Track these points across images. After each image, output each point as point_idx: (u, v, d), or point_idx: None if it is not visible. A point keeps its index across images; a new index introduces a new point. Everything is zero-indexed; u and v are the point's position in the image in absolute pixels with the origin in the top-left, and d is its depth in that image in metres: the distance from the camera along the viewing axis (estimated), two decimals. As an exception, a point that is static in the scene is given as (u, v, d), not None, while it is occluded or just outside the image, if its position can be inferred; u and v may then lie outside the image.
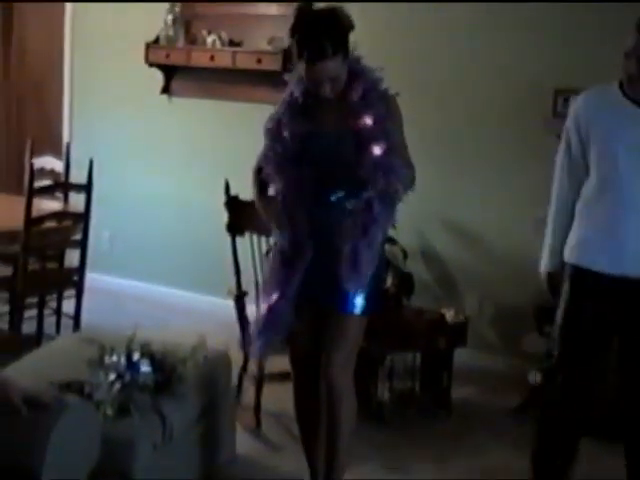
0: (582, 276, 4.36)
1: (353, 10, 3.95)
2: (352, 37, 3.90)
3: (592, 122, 4.31)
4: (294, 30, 3.89)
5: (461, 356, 5.98)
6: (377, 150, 3.91)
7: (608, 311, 4.30)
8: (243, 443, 5.04)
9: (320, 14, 3.91)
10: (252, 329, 4.34)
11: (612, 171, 4.22)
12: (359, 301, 4.08)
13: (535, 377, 5.74)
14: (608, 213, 4.26)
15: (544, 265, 4.54)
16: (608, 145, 4.24)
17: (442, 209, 6.82)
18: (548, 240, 4.51)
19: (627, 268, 4.20)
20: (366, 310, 4.13)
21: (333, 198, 4.05)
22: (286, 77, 4.22)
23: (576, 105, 4.42)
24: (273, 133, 4.11)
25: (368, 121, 3.93)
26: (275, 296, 4.09)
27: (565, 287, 4.43)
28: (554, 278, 4.51)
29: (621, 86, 4.19)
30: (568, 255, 4.39)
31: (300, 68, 3.91)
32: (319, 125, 4.04)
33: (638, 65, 4.02)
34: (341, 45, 3.86)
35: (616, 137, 4.22)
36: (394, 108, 4.05)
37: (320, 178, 4.04)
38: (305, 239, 4.04)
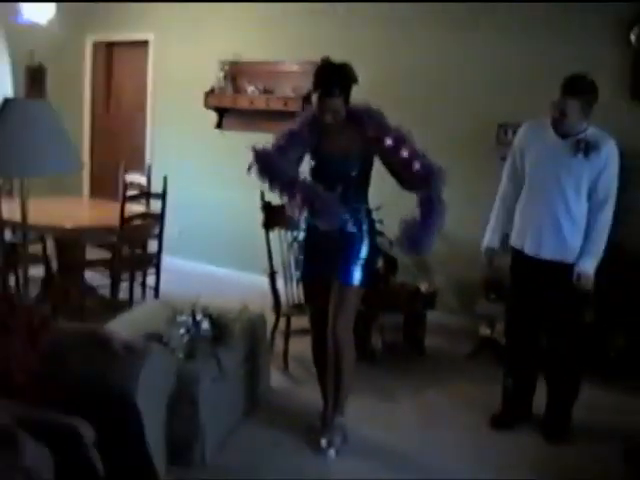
0: (516, 254, 4.49)
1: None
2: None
3: (527, 145, 4.44)
4: (317, 72, 3.99)
5: (432, 316, 6.02)
6: (404, 153, 4.04)
7: (533, 280, 4.41)
8: (275, 379, 5.09)
9: (336, 67, 3.99)
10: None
11: (538, 179, 4.35)
12: (357, 276, 4.11)
13: (484, 331, 5.83)
14: (532, 209, 4.38)
15: (485, 240, 4.62)
16: (536, 162, 4.36)
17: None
18: (490, 224, 4.61)
19: (542, 251, 4.34)
20: (362, 284, 4.16)
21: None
22: (297, 114, 4.28)
23: (518, 133, 4.55)
24: (294, 134, 4.11)
25: (389, 142, 4.03)
26: None
27: (510, 264, 4.56)
28: (491, 250, 4.60)
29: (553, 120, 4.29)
30: (511, 240, 4.51)
31: (314, 99, 3.97)
32: (331, 145, 4.08)
33: (561, 115, 4.17)
34: (344, 91, 3.96)
35: (542, 156, 4.34)
36: (396, 129, 4.17)
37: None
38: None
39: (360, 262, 4.14)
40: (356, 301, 4.25)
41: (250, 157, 4.06)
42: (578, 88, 4.16)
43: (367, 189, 4.25)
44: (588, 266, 4.26)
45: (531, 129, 4.50)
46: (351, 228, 4.13)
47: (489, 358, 5.60)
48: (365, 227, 4.19)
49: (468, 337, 6.04)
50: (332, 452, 4.20)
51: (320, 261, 4.20)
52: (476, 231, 4.64)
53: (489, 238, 4.61)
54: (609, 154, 4.21)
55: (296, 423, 4.18)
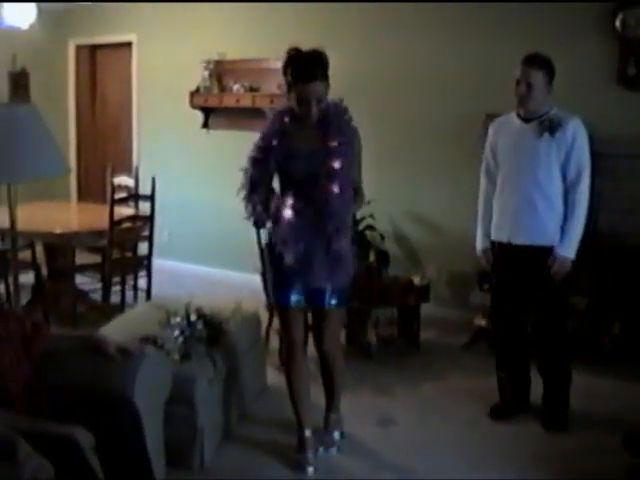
0: (497, 247, 4.50)
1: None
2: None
3: (496, 141, 4.49)
4: (289, 62, 3.74)
5: (426, 309, 5.98)
6: (336, 164, 3.71)
7: (515, 268, 4.41)
8: (271, 376, 5.06)
9: (309, 51, 3.74)
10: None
11: (509, 168, 4.38)
12: (335, 299, 3.93)
13: (479, 322, 5.82)
14: (507, 198, 4.40)
15: (478, 244, 4.63)
16: (506, 152, 4.40)
17: (408, 204, 6.81)
18: (479, 227, 4.61)
19: (521, 237, 4.34)
20: (343, 303, 4.03)
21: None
22: (267, 113, 4.08)
23: (489, 129, 4.59)
24: (260, 161, 3.88)
25: (335, 143, 3.75)
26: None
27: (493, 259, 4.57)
28: (486, 253, 4.60)
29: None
30: (492, 234, 4.52)
31: (292, 95, 3.74)
32: (299, 145, 3.82)
33: (527, 88, 4.19)
34: (325, 74, 3.73)
35: (510, 145, 4.38)
36: (356, 138, 3.87)
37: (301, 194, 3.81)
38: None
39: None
40: (339, 317, 4.21)
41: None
42: (541, 61, 4.23)
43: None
44: (568, 250, 4.26)
45: (497, 125, 4.56)
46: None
47: (485, 349, 5.58)
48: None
49: (463, 328, 6.03)
50: (333, 450, 4.21)
51: (294, 285, 3.92)
52: (466, 222, 4.65)
53: (481, 241, 4.62)
54: (575, 130, 4.22)
55: (294, 421, 4.16)
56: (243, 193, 3.94)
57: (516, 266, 4.40)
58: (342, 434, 4.32)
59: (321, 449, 4.18)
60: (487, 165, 4.57)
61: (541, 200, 4.26)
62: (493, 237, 4.51)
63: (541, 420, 4.53)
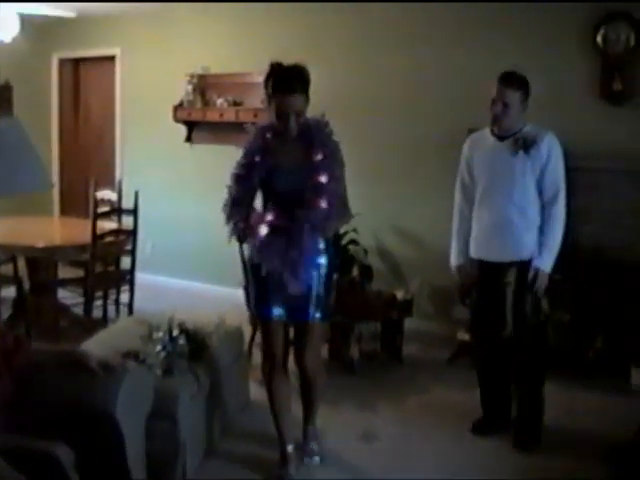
0: (477, 264, 4.49)
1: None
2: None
3: (471, 156, 4.48)
4: (270, 75, 3.75)
5: (409, 323, 6.00)
6: (323, 179, 3.72)
7: (494, 285, 4.40)
8: (254, 391, 5.02)
9: (290, 66, 3.75)
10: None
11: (485, 186, 4.37)
12: (318, 313, 3.93)
13: (462, 336, 5.82)
14: (484, 215, 4.39)
15: (452, 260, 4.62)
16: (481, 169, 4.40)
17: (391, 219, 6.83)
18: (453, 242, 4.60)
19: (500, 255, 4.35)
20: (325, 317, 4.03)
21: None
22: (247, 128, 4.01)
23: (464, 145, 4.58)
24: (243, 178, 3.89)
25: (319, 157, 3.76)
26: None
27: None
28: (461, 270, 4.59)
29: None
30: (470, 251, 4.52)
31: (272, 108, 3.73)
32: (282, 160, 3.83)
33: (503, 107, 4.19)
34: (304, 88, 3.73)
35: (485, 162, 4.38)
36: (338, 152, 3.86)
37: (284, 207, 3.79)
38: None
39: (320, 298, 3.94)
40: (322, 332, 4.20)
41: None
42: (517, 80, 4.22)
43: None
44: (545, 263, 4.25)
45: (472, 141, 4.56)
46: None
47: (468, 363, 5.58)
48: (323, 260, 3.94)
49: (446, 343, 6.04)
50: (317, 459, 4.23)
51: (275, 299, 3.92)
52: (449, 237, 4.64)
53: (455, 257, 4.60)
54: (549, 147, 4.22)
55: (277, 436, 4.14)
56: (227, 209, 3.94)
57: (495, 282, 4.39)
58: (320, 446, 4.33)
59: (306, 459, 4.19)
60: (462, 180, 4.56)
61: (517, 217, 4.27)
62: (472, 254, 4.50)
63: (514, 438, 4.49)
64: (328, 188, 3.73)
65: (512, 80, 4.21)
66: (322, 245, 3.86)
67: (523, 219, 4.26)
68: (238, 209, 3.89)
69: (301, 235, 3.69)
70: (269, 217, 3.81)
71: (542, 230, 4.27)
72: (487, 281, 4.44)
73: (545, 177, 4.23)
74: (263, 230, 3.79)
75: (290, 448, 4.09)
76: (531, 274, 4.24)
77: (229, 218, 3.92)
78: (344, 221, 4.06)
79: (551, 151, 4.23)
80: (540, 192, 4.26)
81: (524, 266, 4.27)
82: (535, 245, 4.27)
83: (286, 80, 3.71)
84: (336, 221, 3.87)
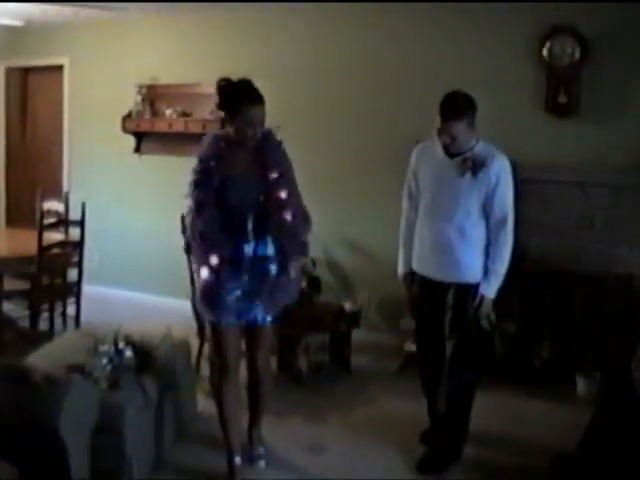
0: (417, 277, 4.47)
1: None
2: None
3: (417, 168, 4.39)
4: (237, 88, 3.80)
5: (358, 335, 6.02)
6: (283, 194, 3.83)
7: (433, 302, 4.35)
8: (201, 404, 5.00)
9: (247, 80, 3.84)
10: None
11: (429, 202, 4.29)
12: (270, 316, 4.01)
13: (409, 347, 5.83)
14: (426, 232, 4.33)
15: (399, 269, 4.57)
16: (426, 183, 4.32)
17: (340, 230, 6.85)
18: (400, 251, 4.55)
19: (438, 274, 4.30)
20: (275, 322, 4.08)
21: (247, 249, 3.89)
22: (204, 137, 4.04)
23: (412, 154, 4.47)
24: (202, 182, 3.88)
25: (275, 174, 3.85)
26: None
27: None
28: (406, 279, 4.55)
29: None
30: (412, 264, 4.47)
31: (239, 119, 3.77)
32: (234, 170, 3.87)
33: (451, 139, 4.03)
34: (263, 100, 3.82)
35: (431, 177, 4.29)
36: (289, 164, 3.96)
37: (236, 217, 3.87)
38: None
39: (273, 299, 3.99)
40: (272, 335, 4.25)
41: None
42: (460, 110, 4.01)
43: None
44: (490, 290, 4.16)
45: (421, 150, 4.42)
46: (258, 269, 3.94)
47: (416, 373, 5.60)
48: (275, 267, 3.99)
49: (394, 354, 6.06)
50: (262, 463, 4.28)
51: (228, 305, 3.91)
52: (397, 248, 4.65)
53: (401, 265, 4.55)
54: (499, 171, 4.08)
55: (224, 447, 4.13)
56: (190, 216, 3.94)
57: (435, 298, 4.33)
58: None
59: (253, 463, 4.25)
60: (409, 189, 4.48)
61: (457, 238, 4.15)
62: (414, 267, 4.45)
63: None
64: (288, 203, 3.85)
65: (455, 111, 3.99)
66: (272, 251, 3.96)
67: (463, 240, 4.14)
68: (202, 213, 3.88)
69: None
70: (214, 261, 3.84)
71: (488, 254, 4.16)
72: (428, 297, 4.40)
73: (493, 201, 4.08)
74: (206, 274, 3.87)
75: (238, 460, 4.08)
76: (477, 301, 4.15)
77: (192, 224, 3.92)
78: (309, 229, 4.09)
79: (500, 176, 4.07)
80: (487, 217, 4.14)
81: (464, 288, 4.19)
82: (478, 268, 4.17)
83: (255, 91, 3.82)
84: (304, 233, 3.99)
